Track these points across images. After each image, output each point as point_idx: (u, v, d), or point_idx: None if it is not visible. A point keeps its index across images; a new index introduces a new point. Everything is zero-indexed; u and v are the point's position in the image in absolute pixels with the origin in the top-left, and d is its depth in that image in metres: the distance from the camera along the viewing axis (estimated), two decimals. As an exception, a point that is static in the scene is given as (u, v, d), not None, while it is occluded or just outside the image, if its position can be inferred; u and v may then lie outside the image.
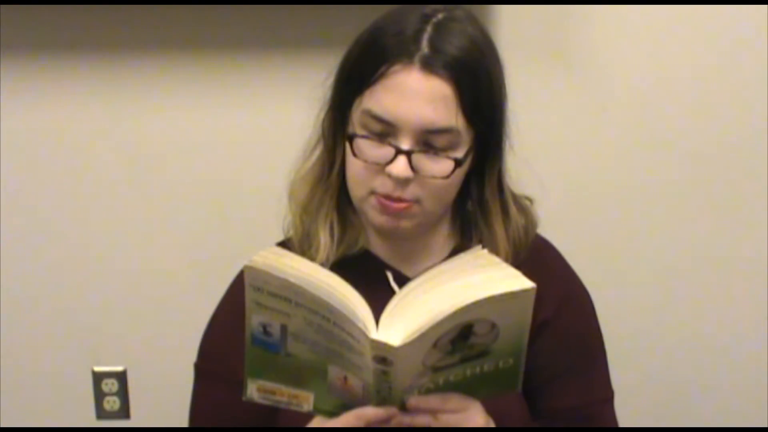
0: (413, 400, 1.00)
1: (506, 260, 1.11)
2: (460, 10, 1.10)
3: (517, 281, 0.96)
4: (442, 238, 1.20)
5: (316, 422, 1.04)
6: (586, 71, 1.67)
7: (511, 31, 1.60)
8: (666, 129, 1.69)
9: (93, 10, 1.61)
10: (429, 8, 1.08)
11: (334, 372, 1.00)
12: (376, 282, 1.11)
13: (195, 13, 1.62)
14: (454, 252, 1.18)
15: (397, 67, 1.04)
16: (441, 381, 0.99)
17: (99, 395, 1.82)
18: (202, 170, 1.72)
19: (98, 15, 1.62)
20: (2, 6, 1.60)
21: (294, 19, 1.62)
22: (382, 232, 1.15)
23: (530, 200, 1.22)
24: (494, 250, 1.12)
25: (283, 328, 0.98)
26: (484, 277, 0.96)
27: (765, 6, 1.63)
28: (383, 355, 0.93)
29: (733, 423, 1.80)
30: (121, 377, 1.81)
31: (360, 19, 1.14)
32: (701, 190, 1.72)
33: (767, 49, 1.65)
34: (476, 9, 1.18)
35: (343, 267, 1.07)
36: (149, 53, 1.66)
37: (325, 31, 1.60)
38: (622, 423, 1.27)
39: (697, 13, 1.63)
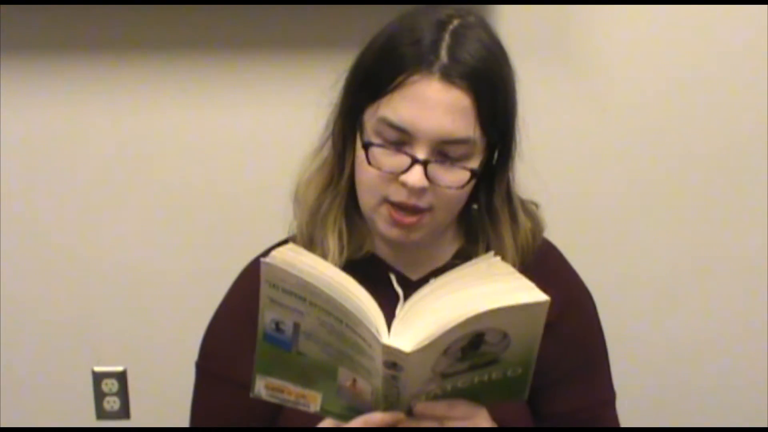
0: (420, 407, 1.00)
1: (513, 266, 1.11)
2: (473, 16, 1.09)
3: (531, 293, 0.95)
4: (447, 241, 1.20)
5: (326, 423, 1.04)
6: (587, 72, 1.66)
7: (512, 32, 1.59)
8: (669, 130, 1.69)
9: (93, 10, 1.61)
10: (443, 13, 1.08)
11: (343, 374, 1.00)
12: (379, 284, 1.10)
13: (200, 13, 1.61)
14: (458, 254, 1.19)
15: (416, 77, 1.03)
16: (449, 387, 0.99)
17: (99, 395, 1.82)
18: (204, 171, 1.72)
19: (98, 15, 1.62)
20: (2, 6, 1.60)
21: (301, 20, 1.62)
22: (391, 242, 1.14)
23: (536, 205, 1.22)
24: (502, 257, 1.12)
25: (296, 327, 0.98)
26: (497, 287, 0.96)
27: (765, 6, 1.63)
28: (394, 361, 0.93)
29: (733, 423, 1.81)
30: (121, 377, 1.81)
31: (369, 21, 1.13)
32: (703, 191, 1.72)
33: (767, 49, 1.65)
34: (478, 9, 1.18)
35: (347, 269, 1.07)
36: (150, 53, 1.65)
37: (332, 32, 1.60)
38: (623, 423, 1.28)
39: (698, 14, 1.63)
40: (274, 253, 0.97)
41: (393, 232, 1.09)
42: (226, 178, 1.72)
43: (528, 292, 0.96)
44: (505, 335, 0.96)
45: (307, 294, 0.95)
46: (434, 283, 1.00)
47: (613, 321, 1.29)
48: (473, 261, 1.04)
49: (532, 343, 0.98)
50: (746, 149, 1.70)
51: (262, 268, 0.95)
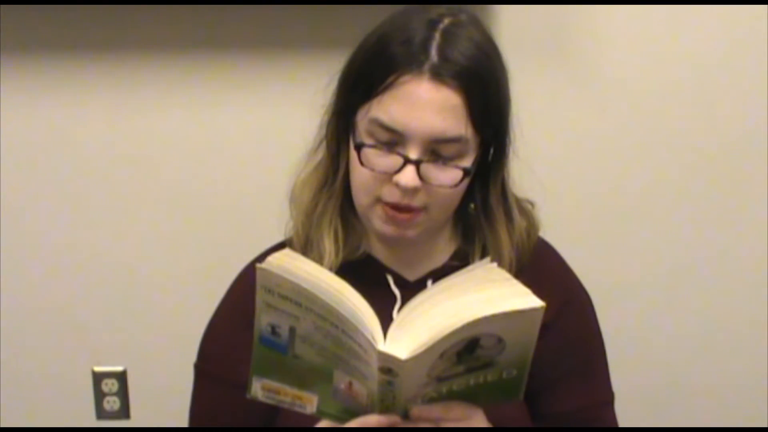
0: (416, 410, 0.99)
1: (510, 265, 1.13)
2: (464, 14, 1.09)
3: (527, 299, 0.95)
4: (444, 241, 1.19)
5: (324, 424, 1.04)
6: (586, 72, 1.66)
7: (511, 31, 1.60)
8: (666, 130, 1.69)
9: (93, 10, 1.61)
10: (434, 12, 1.07)
11: (339, 377, 1.00)
12: (376, 285, 1.10)
13: (196, 13, 1.61)
14: (455, 255, 1.19)
15: (406, 77, 1.03)
16: (444, 390, 0.99)
17: (99, 395, 1.82)
18: (203, 171, 1.72)
19: (98, 15, 1.62)
20: (2, 6, 1.60)
21: (297, 20, 1.62)
22: (387, 240, 1.14)
23: (532, 204, 1.21)
24: (498, 255, 1.13)
25: (292, 330, 0.98)
26: (493, 294, 0.96)
27: (765, 6, 1.63)
28: (389, 367, 0.93)
29: (733, 423, 1.81)
30: (121, 377, 1.82)
31: (363, 21, 1.13)
32: (701, 191, 1.72)
33: (767, 49, 1.65)
34: (476, 9, 1.18)
35: (344, 270, 1.07)
36: (150, 53, 1.65)
37: (328, 33, 1.60)
38: (622, 423, 1.27)
39: (697, 13, 1.63)
40: (269, 258, 0.96)
41: (388, 229, 1.09)
42: (225, 178, 1.72)
43: (523, 299, 0.95)
44: (500, 340, 0.96)
45: (302, 299, 0.95)
46: (431, 289, 1.00)
47: (610, 321, 1.29)
48: (470, 267, 1.04)
49: (527, 346, 0.98)
50: (746, 149, 1.70)
51: (258, 274, 0.95)
